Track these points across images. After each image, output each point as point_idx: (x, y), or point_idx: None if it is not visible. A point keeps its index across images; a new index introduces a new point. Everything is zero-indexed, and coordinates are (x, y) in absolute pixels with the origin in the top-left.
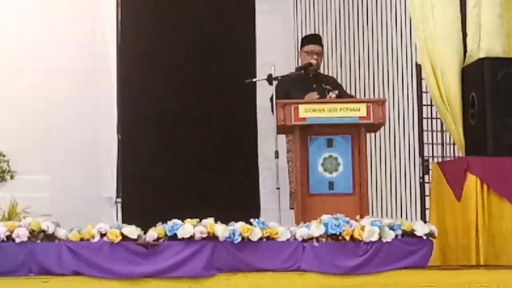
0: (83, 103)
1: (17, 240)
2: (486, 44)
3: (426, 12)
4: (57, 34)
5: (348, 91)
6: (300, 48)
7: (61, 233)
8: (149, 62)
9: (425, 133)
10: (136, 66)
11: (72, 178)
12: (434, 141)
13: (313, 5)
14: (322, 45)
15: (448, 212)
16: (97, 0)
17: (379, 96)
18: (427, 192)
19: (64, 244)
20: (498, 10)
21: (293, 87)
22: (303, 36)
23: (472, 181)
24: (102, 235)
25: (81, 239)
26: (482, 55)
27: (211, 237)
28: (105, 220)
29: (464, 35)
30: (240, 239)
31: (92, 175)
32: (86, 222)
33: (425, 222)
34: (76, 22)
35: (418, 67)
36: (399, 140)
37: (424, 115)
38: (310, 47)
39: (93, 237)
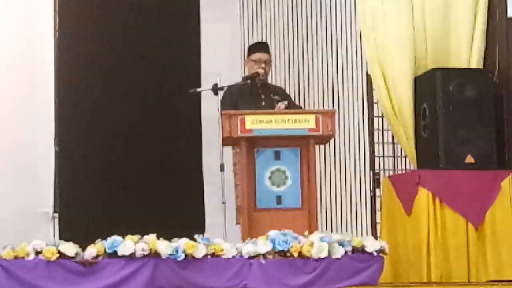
0: (19, 112)
1: None
2: (433, 50)
3: (378, 21)
4: None
5: (297, 102)
6: (247, 57)
7: None
8: (89, 71)
9: (376, 145)
10: (75, 75)
11: (6, 191)
12: (386, 153)
13: (261, 13)
14: (269, 54)
15: (399, 227)
16: (33, 5)
17: (328, 107)
18: (378, 207)
19: None
20: (443, 12)
21: (241, 97)
22: (250, 44)
23: (423, 195)
24: (38, 252)
25: (15, 257)
26: (429, 63)
27: (153, 254)
28: (41, 237)
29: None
30: (183, 256)
31: (27, 189)
32: (20, 239)
33: (376, 237)
34: (12, 27)
35: (369, 77)
36: (349, 152)
37: (375, 127)
38: (257, 56)
39: (27, 255)
